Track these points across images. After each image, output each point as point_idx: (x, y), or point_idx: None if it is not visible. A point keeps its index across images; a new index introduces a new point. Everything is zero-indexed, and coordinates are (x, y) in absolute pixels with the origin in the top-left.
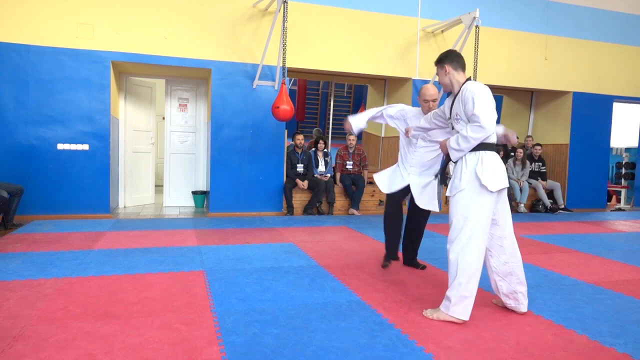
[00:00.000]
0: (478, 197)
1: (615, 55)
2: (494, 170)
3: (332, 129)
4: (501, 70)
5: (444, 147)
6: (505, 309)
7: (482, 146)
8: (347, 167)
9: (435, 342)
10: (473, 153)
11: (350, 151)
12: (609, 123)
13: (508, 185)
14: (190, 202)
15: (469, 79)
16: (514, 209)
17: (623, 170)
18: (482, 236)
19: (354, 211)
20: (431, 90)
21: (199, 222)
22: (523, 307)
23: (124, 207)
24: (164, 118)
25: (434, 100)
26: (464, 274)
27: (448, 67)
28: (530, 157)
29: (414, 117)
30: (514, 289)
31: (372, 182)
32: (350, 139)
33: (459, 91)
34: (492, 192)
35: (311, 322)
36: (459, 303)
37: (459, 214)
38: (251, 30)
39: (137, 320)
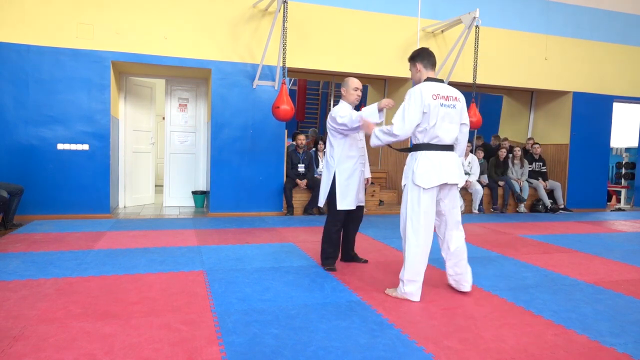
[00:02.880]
0: (416, 192)
1: (615, 55)
2: (426, 169)
3: None
4: (501, 70)
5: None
6: (505, 309)
7: (420, 146)
8: None
9: (435, 342)
10: (413, 153)
11: None
12: (609, 123)
13: (442, 183)
14: (190, 202)
15: (428, 79)
16: (513, 208)
17: (623, 170)
18: (422, 227)
19: None
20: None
21: (199, 222)
22: (463, 287)
23: (124, 207)
24: (164, 118)
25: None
26: (408, 259)
27: (419, 65)
28: (531, 157)
29: None
30: (455, 270)
31: (372, 182)
32: None
33: None
34: (425, 188)
35: (311, 322)
36: (407, 284)
37: (403, 207)
38: (251, 30)
39: (137, 320)
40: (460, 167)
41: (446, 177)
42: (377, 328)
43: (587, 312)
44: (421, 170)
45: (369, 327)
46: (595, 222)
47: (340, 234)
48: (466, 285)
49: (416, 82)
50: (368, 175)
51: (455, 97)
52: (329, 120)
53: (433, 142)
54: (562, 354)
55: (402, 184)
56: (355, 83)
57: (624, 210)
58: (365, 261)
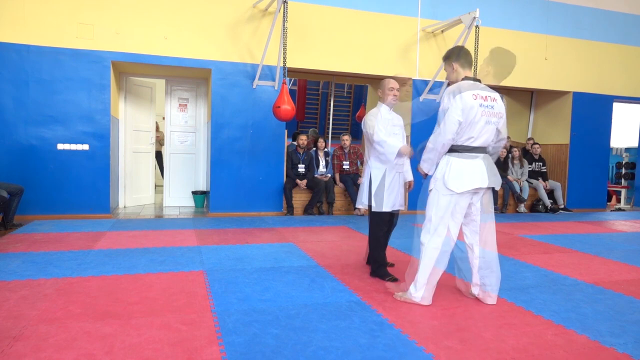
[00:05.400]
0: (444, 196)
1: (615, 55)
2: (459, 172)
3: (332, 128)
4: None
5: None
6: (505, 309)
7: (453, 148)
8: (344, 167)
9: (435, 342)
10: (445, 155)
11: (346, 151)
12: (609, 123)
13: (475, 187)
14: (190, 202)
15: (465, 78)
16: (513, 208)
17: (623, 170)
18: (447, 231)
19: (360, 209)
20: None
21: (199, 222)
22: (490, 299)
23: (124, 207)
24: (164, 118)
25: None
26: (426, 262)
27: (455, 65)
28: (531, 157)
29: None
30: (484, 281)
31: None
32: (344, 139)
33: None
34: (457, 193)
35: (311, 322)
36: (421, 288)
37: (429, 210)
38: (251, 30)
39: (137, 320)
40: (495, 170)
41: (480, 182)
42: (377, 328)
43: (587, 312)
44: (453, 174)
45: (369, 327)
46: (595, 222)
47: (387, 237)
48: (494, 297)
49: (452, 83)
50: (410, 178)
51: (494, 98)
52: (363, 124)
53: (466, 143)
54: (562, 354)
55: (430, 187)
56: (390, 83)
57: (624, 210)
58: (392, 265)
